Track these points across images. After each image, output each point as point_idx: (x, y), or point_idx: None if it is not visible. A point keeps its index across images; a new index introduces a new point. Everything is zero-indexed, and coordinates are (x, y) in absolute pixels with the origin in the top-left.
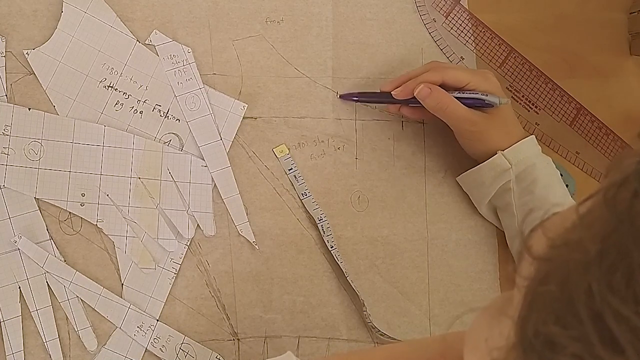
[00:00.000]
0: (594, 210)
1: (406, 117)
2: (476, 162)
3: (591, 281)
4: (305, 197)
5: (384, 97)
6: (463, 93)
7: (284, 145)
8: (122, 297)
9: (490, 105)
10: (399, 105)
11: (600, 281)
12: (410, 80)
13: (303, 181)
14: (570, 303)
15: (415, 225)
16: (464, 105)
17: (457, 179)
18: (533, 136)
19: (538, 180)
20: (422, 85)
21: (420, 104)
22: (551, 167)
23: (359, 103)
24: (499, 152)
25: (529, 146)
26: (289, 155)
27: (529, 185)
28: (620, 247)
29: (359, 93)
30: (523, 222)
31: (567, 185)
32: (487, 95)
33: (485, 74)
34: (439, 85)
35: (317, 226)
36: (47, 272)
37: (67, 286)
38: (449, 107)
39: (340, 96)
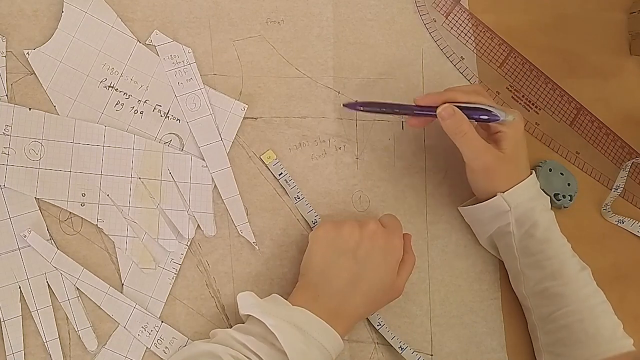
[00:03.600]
0: None
1: (413, 126)
2: None
3: None
4: (298, 200)
5: (388, 107)
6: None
7: (270, 151)
8: None
9: (497, 119)
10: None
11: None
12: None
13: (294, 185)
14: None
15: (415, 225)
16: (482, 140)
17: (458, 208)
18: (533, 175)
19: (538, 223)
20: (446, 105)
21: (429, 115)
22: (548, 208)
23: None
24: (499, 194)
25: (529, 188)
26: (277, 161)
27: (529, 229)
28: None
29: (363, 102)
30: (526, 266)
31: (568, 184)
32: (493, 109)
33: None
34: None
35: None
36: (55, 268)
37: (75, 283)
38: (467, 135)
39: (344, 105)
